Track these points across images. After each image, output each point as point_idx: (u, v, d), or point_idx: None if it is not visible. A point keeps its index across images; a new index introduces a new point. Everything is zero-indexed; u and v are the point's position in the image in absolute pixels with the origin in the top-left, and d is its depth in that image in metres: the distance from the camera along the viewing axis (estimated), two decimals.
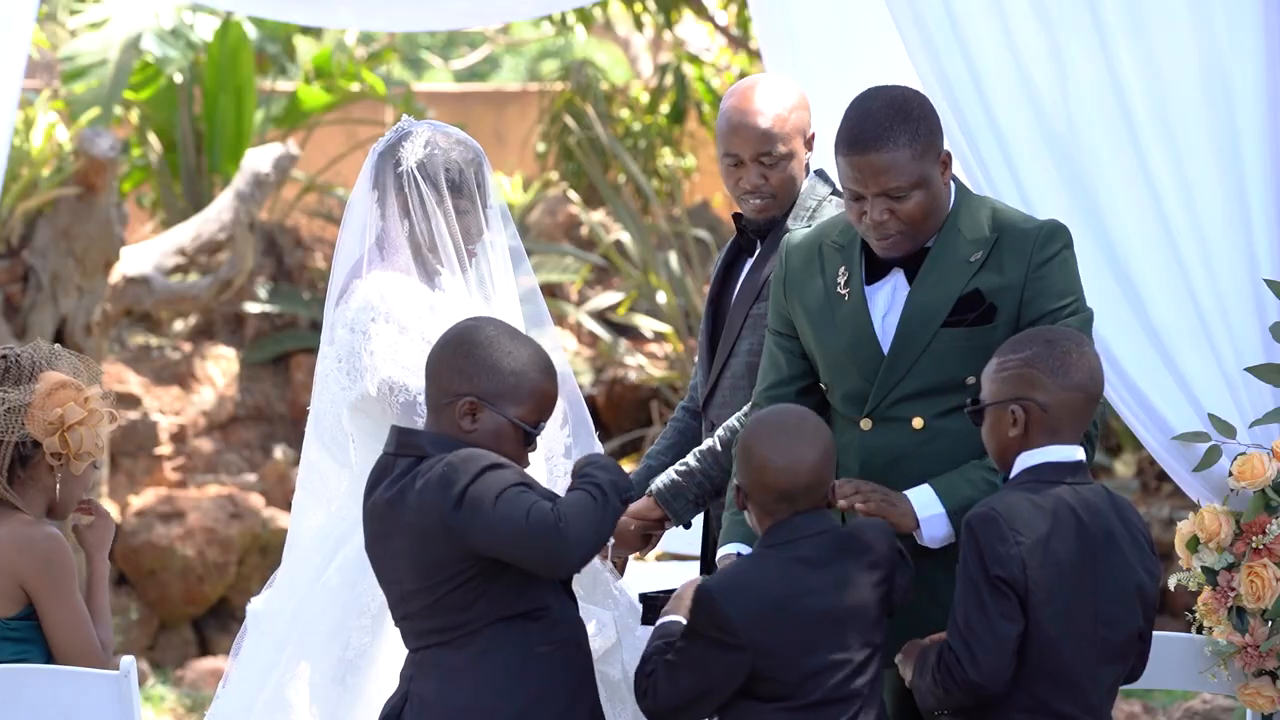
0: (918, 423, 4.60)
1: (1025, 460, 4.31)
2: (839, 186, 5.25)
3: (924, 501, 4.50)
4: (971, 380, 4.52)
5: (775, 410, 4.42)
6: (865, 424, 4.64)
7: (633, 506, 5.06)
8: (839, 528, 4.32)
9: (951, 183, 4.67)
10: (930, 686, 4.25)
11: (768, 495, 4.25)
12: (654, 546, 5.22)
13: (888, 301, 4.65)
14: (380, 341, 4.83)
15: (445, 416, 4.26)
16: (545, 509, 4.10)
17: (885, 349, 4.60)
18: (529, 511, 4.09)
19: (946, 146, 4.63)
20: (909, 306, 4.60)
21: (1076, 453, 4.32)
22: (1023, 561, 4.17)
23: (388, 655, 4.74)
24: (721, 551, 4.70)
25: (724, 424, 5.12)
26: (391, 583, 4.27)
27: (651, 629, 4.42)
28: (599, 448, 5.11)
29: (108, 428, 4.81)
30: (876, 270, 4.66)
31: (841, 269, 4.68)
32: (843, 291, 4.67)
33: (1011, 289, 4.56)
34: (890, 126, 4.53)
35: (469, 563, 4.14)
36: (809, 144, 5.21)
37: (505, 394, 4.25)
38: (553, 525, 4.08)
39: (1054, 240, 4.60)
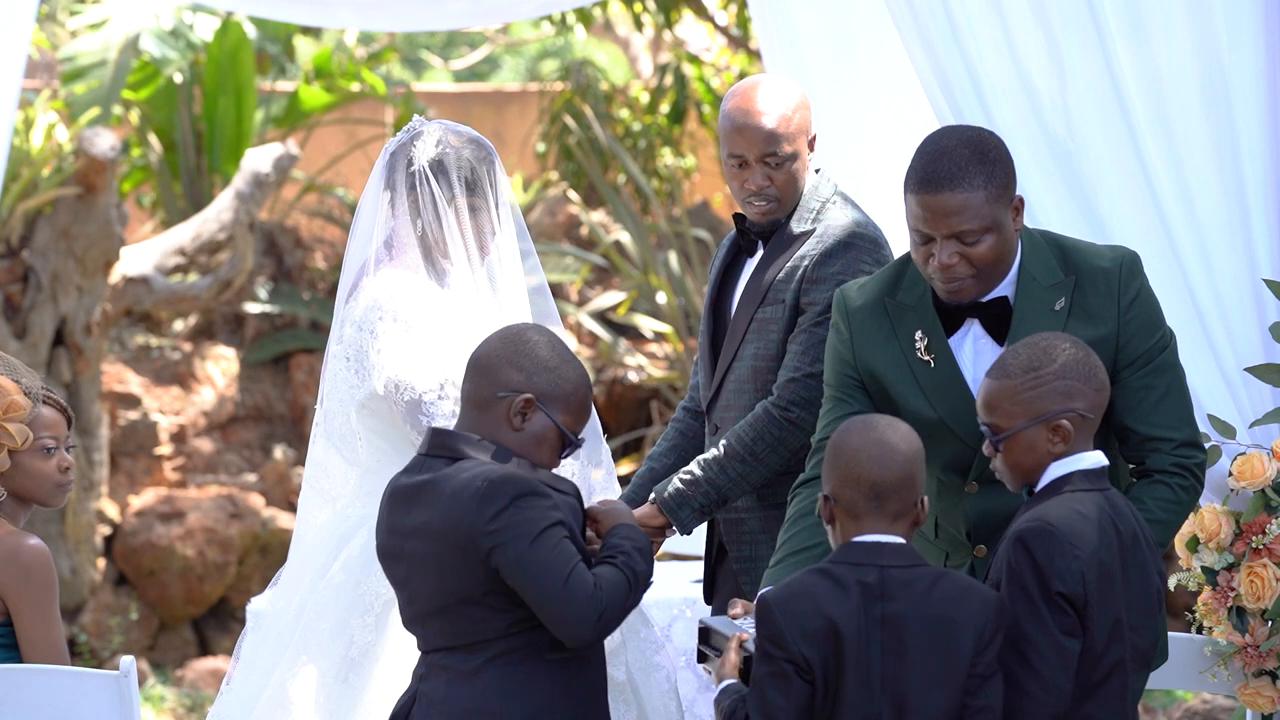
0: None
1: (1055, 470, 4.21)
2: (840, 188, 5.25)
3: None
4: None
5: (863, 415, 4.30)
6: (971, 487, 4.55)
7: (635, 512, 5.05)
8: (929, 569, 4.13)
9: None
10: None
11: (858, 491, 4.09)
12: (654, 552, 5.18)
13: (971, 358, 4.53)
14: (387, 340, 4.83)
15: (494, 412, 4.24)
16: (587, 580, 4.10)
17: None
18: (570, 574, 4.09)
19: (1019, 193, 4.48)
20: None
21: (1101, 458, 4.24)
22: (1083, 575, 4.08)
23: (391, 653, 4.74)
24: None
25: (729, 432, 5.09)
26: (403, 585, 4.26)
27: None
28: (606, 450, 5.11)
29: (17, 418, 4.74)
30: (949, 325, 4.53)
31: (918, 333, 4.54)
32: (926, 358, 4.53)
33: (1107, 337, 4.43)
34: (966, 167, 4.38)
35: (488, 577, 4.13)
36: (811, 145, 5.18)
37: (560, 399, 4.26)
38: (592, 600, 4.09)
39: (1134, 275, 4.49)
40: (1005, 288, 4.51)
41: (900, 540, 4.11)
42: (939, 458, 4.54)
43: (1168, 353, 4.51)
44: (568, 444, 4.28)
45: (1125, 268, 4.50)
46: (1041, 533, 4.10)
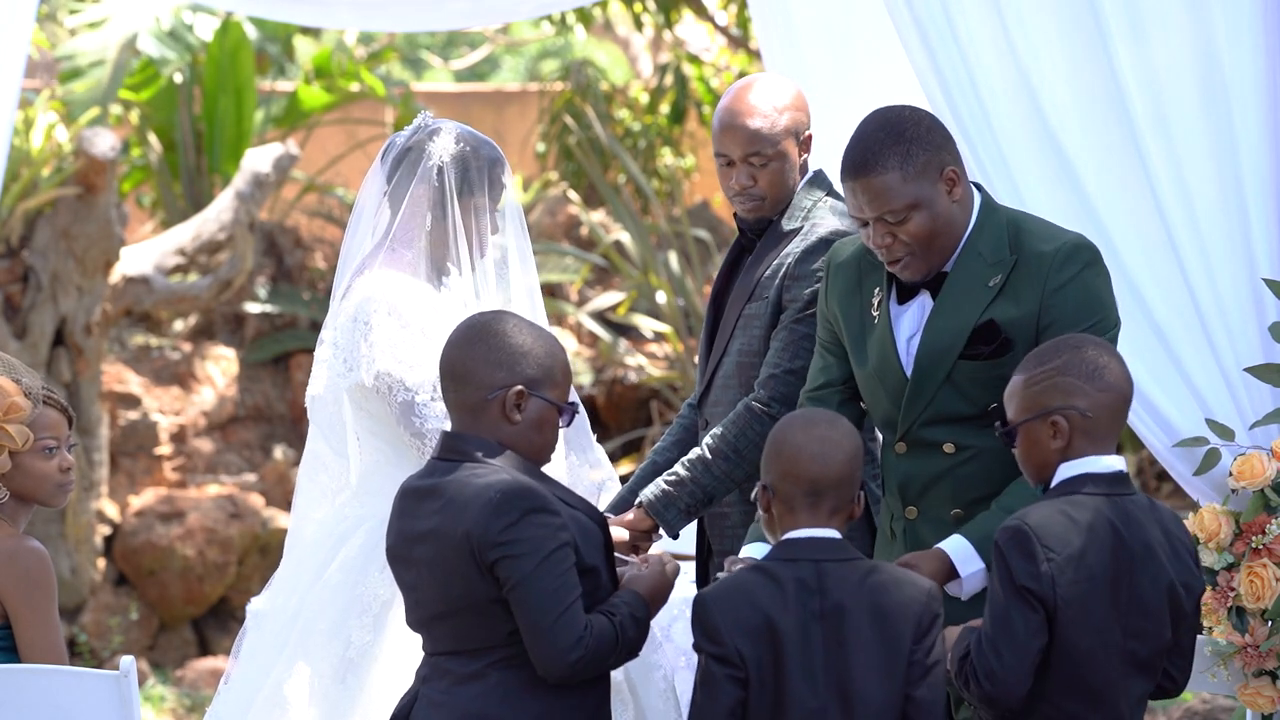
0: (949, 447, 4.56)
1: (1065, 471, 4.22)
2: (835, 188, 5.27)
3: (964, 557, 4.44)
4: (995, 406, 4.45)
5: (806, 409, 4.33)
6: (900, 448, 4.62)
7: (623, 517, 5.06)
8: (864, 562, 4.17)
9: (975, 197, 4.60)
10: (959, 687, 4.20)
11: (797, 487, 4.15)
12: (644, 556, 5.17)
13: (914, 324, 4.61)
14: (381, 334, 4.83)
15: (489, 413, 4.20)
16: (579, 621, 4.07)
17: (909, 374, 4.57)
18: (565, 610, 4.05)
19: (952, 164, 4.53)
20: (927, 334, 4.56)
21: (1117, 463, 4.24)
22: (1053, 579, 4.09)
23: (389, 654, 4.73)
24: (744, 550, 4.68)
25: (713, 431, 5.09)
26: (411, 588, 4.25)
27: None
28: (599, 451, 5.11)
29: (18, 420, 4.73)
30: (906, 290, 4.62)
31: (877, 290, 4.64)
32: (875, 313, 4.64)
33: (1027, 320, 4.49)
34: (880, 150, 4.48)
35: (493, 585, 4.11)
36: (804, 145, 5.19)
37: (544, 378, 4.23)
38: (577, 643, 4.06)
39: (1070, 263, 4.52)
40: (952, 260, 4.59)
41: (835, 534, 4.16)
42: (875, 411, 4.67)
43: None
44: (562, 413, 4.28)
45: (1063, 254, 4.53)
46: (1017, 532, 4.14)
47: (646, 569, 4.33)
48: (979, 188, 4.65)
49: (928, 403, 4.56)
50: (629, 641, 4.18)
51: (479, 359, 4.21)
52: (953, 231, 4.55)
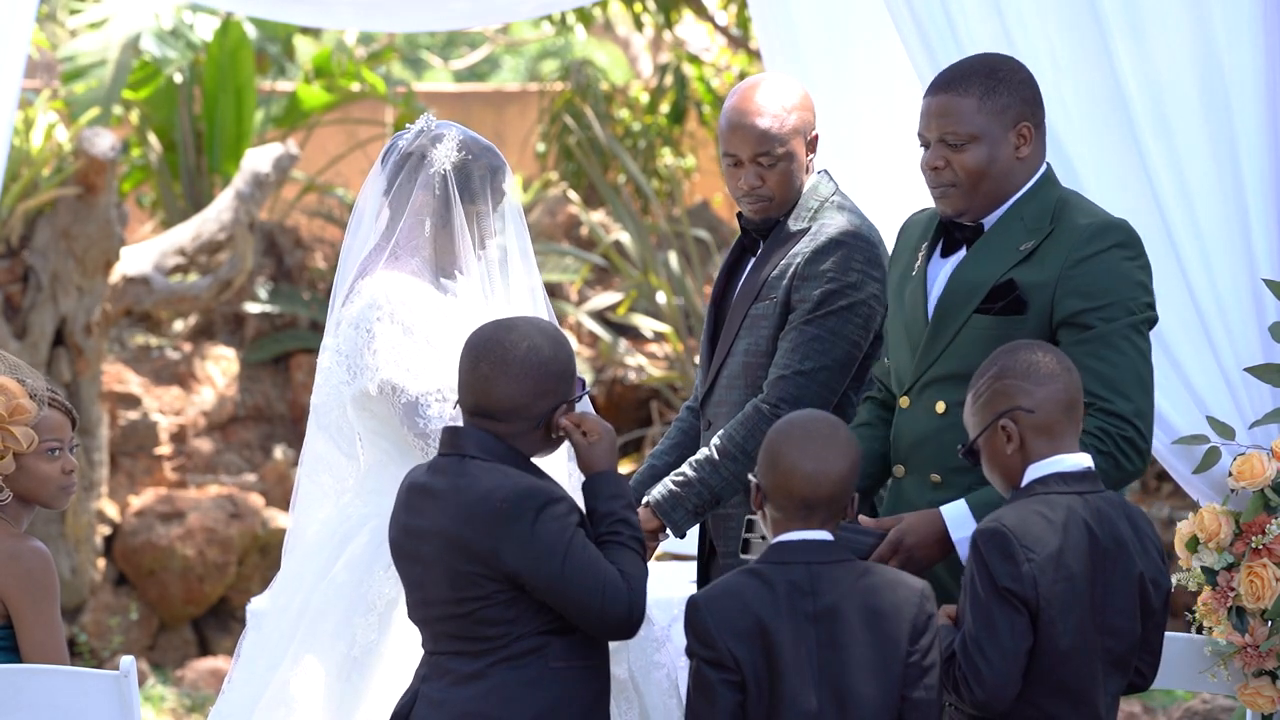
0: (940, 407, 4.59)
1: (1033, 472, 4.23)
2: (840, 189, 5.27)
3: (958, 520, 4.44)
4: None
5: (807, 415, 4.27)
6: (904, 402, 4.68)
7: None
8: (856, 563, 4.17)
9: (1041, 169, 4.64)
10: (947, 691, 4.19)
11: (790, 501, 4.14)
12: (650, 556, 5.17)
13: (948, 273, 4.66)
14: (384, 341, 4.83)
15: (533, 436, 4.25)
16: (620, 585, 4.13)
17: (930, 320, 4.63)
18: (605, 587, 4.11)
19: (1029, 122, 4.57)
20: (950, 285, 4.61)
21: (1083, 460, 4.25)
22: (1034, 579, 4.11)
23: (394, 652, 4.74)
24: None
25: (720, 431, 5.09)
26: (415, 586, 4.26)
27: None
28: None
29: (22, 421, 4.72)
30: (948, 246, 4.67)
31: (925, 245, 4.71)
32: (918, 265, 4.70)
33: (1046, 286, 4.51)
34: (968, 76, 4.57)
35: (506, 584, 4.13)
36: (811, 145, 5.19)
37: (572, 384, 4.28)
38: (629, 605, 4.13)
39: (1099, 239, 4.53)
40: (994, 218, 4.63)
41: (827, 536, 4.15)
42: (894, 363, 4.72)
43: (1116, 325, 4.48)
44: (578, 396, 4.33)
45: (1094, 228, 4.55)
46: (993, 535, 4.14)
47: (594, 441, 4.31)
48: (1049, 168, 4.69)
49: (939, 354, 4.59)
50: (643, 538, 4.25)
51: (535, 392, 4.22)
52: (1005, 183, 4.59)
